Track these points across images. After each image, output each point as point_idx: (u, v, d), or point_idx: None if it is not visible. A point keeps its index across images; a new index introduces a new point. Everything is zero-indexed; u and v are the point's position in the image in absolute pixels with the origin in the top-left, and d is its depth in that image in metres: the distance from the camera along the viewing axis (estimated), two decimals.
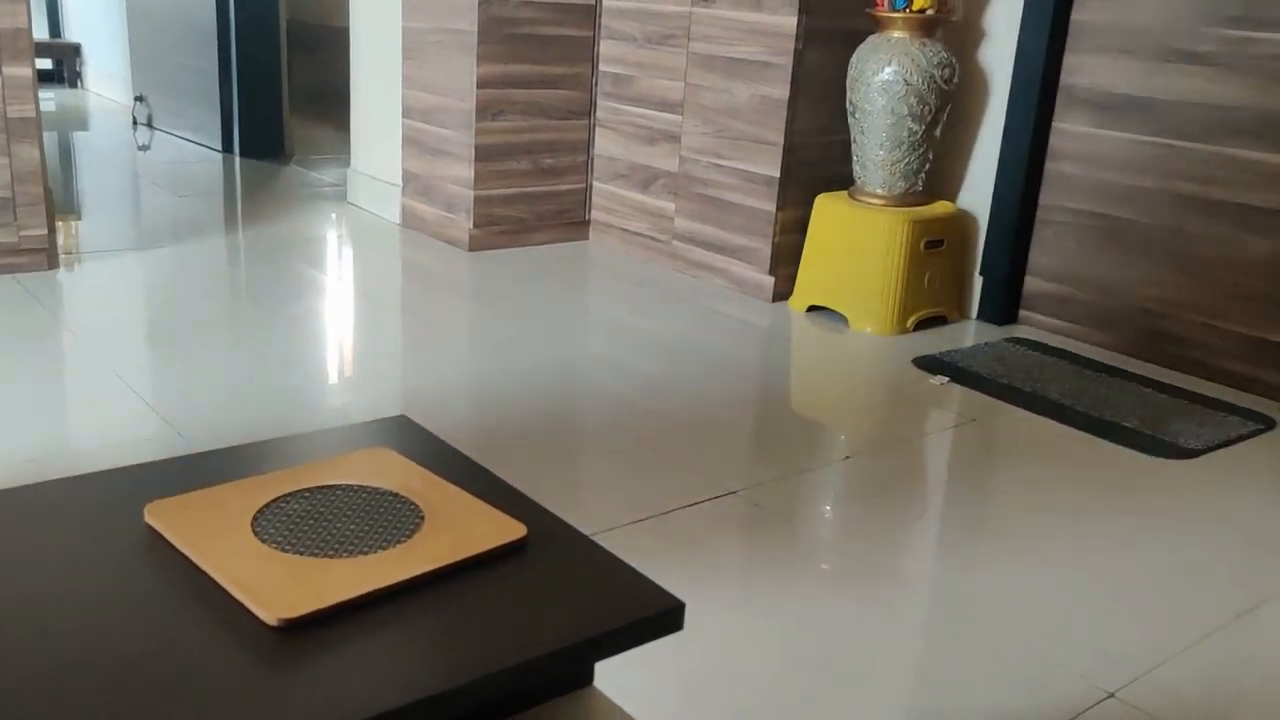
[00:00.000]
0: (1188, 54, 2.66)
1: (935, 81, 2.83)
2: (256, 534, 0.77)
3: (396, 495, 0.84)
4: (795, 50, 2.96)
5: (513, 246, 3.59)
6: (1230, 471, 2.19)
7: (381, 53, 3.81)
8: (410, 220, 3.76)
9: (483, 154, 3.44)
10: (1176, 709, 1.42)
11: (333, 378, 2.38)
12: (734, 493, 1.96)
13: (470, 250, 3.50)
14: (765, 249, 3.13)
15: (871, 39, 2.90)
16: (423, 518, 0.81)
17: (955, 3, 3.00)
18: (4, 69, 2.75)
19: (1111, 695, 1.44)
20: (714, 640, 1.51)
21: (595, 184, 3.69)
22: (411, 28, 3.59)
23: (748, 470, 2.06)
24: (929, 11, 2.81)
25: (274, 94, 4.86)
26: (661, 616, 0.73)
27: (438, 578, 0.75)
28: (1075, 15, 2.85)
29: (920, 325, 3.00)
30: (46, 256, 2.96)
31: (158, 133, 5.34)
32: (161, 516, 0.79)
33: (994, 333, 3.02)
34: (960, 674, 1.47)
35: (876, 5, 2.89)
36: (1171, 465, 2.20)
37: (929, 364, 2.69)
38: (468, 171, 3.45)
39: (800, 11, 2.92)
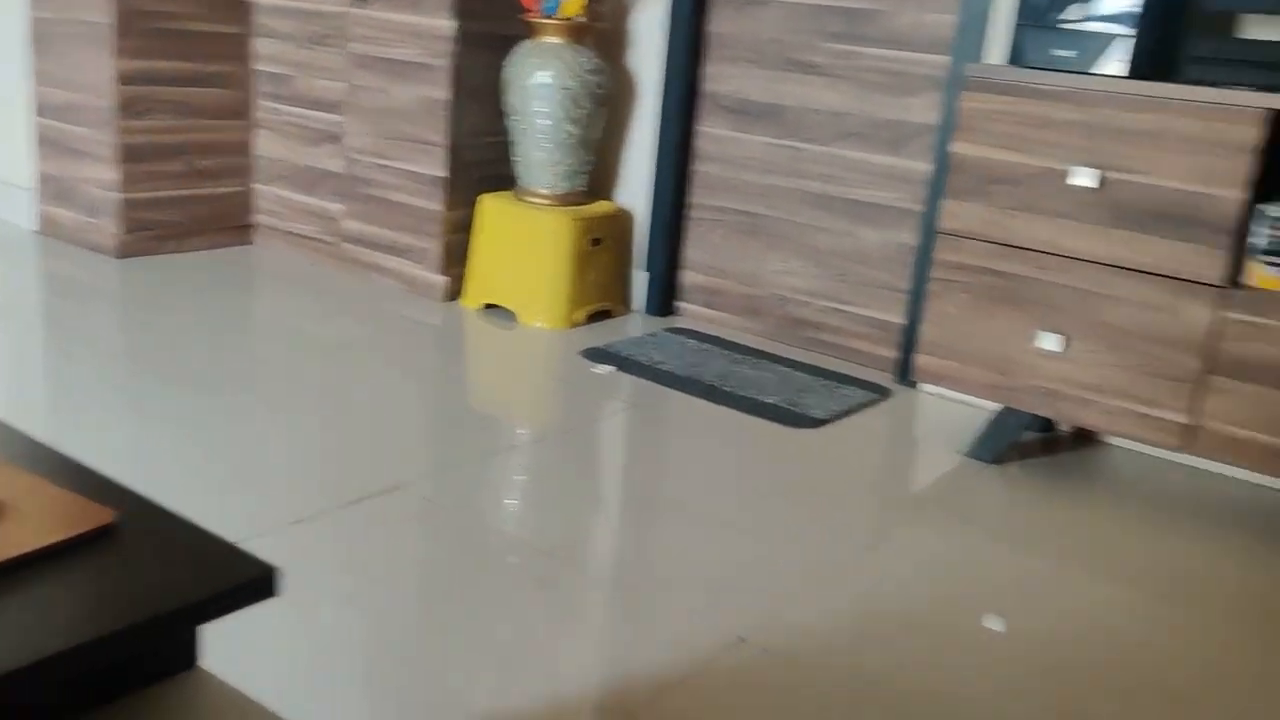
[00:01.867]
0: (805, 65, 2.96)
1: (589, 86, 2.97)
2: None
3: None
4: (453, 52, 3.00)
5: (168, 252, 3.40)
6: (851, 435, 2.46)
7: (5, 44, 3.48)
8: (48, 227, 3.47)
9: (129, 154, 3.23)
10: (806, 646, 1.60)
11: None
12: (400, 488, 1.97)
13: (119, 257, 3.27)
14: (435, 248, 3.16)
15: (525, 44, 3.00)
16: (2, 509, 0.78)
17: (604, 10, 3.16)
18: None
19: (742, 640, 1.60)
20: (374, 627, 1.53)
21: (258, 186, 3.56)
22: (41, 18, 3.31)
23: (417, 465, 2.08)
24: (579, 18, 2.95)
25: None
26: (252, 583, 0.75)
27: (17, 566, 0.73)
28: (710, 27, 3.09)
29: (591, 319, 3.14)
30: None
31: None
32: None
33: (656, 324, 3.21)
34: (623, 645, 1.57)
35: (528, 11, 3.00)
36: (805, 434, 2.44)
37: (595, 355, 2.82)
38: (112, 173, 3.23)
39: (454, 15, 2.97)
